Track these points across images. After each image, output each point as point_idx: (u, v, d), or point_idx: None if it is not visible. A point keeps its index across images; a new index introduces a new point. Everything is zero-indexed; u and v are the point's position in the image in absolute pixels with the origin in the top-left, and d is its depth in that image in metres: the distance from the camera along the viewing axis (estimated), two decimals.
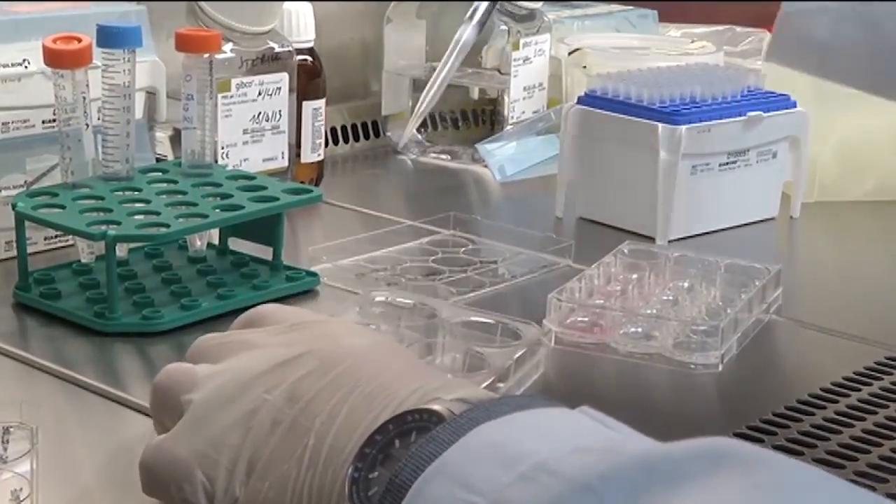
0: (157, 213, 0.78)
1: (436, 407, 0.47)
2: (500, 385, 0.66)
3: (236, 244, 0.87)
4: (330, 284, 0.84)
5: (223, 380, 0.53)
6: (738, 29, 1.39)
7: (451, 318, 0.71)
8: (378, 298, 0.73)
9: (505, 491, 0.41)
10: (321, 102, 1.05)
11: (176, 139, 0.94)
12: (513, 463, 0.42)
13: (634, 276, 0.83)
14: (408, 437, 0.46)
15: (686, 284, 0.83)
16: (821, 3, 0.72)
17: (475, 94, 1.21)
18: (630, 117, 0.96)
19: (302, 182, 1.03)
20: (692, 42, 1.24)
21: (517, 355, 0.68)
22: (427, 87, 1.05)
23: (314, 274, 0.84)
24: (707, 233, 0.98)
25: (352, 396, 0.50)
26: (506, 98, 1.18)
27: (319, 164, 1.06)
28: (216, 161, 0.93)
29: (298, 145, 1.03)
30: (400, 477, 0.44)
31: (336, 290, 0.83)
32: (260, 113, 0.97)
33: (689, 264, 0.85)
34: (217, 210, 0.80)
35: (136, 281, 0.81)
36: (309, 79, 1.04)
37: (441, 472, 0.43)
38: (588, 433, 0.44)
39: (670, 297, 0.81)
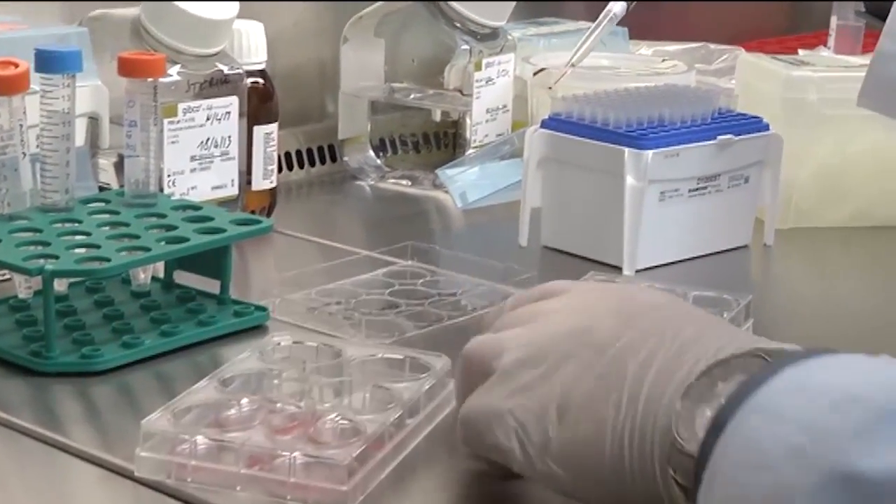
0: (98, 247, 0.79)
1: (760, 353, 0.54)
2: (410, 420, 0.67)
3: (183, 277, 0.87)
4: (280, 319, 0.85)
5: (529, 339, 0.60)
6: (712, 46, 1.41)
7: (356, 356, 0.73)
8: (282, 342, 0.75)
9: (815, 420, 0.48)
10: (273, 127, 1.06)
11: (121, 166, 0.95)
12: (820, 394, 0.49)
13: None
14: (732, 379, 0.53)
15: None
16: None
17: (437, 117, 1.22)
18: (595, 141, 0.97)
19: (253, 211, 1.04)
20: (663, 61, 1.26)
21: (426, 388, 0.69)
22: (575, 50, 1.16)
23: (263, 308, 0.85)
24: (676, 262, 1.00)
25: (661, 349, 0.56)
26: (468, 120, 1.19)
27: (272, 192, 1.07)
28: (162, 190, 0.94)
29: (249, 172, 1.04)
30: (724, 414, 0.51)
31: (286, 326, 0.84)
32: (208, 139, 0.98)
33: None
34: (161, 243, 0.81)
35: (76, 317, 0.82)
36: (260, 102, 1.05)
37: (758, 409, 0.50)
38: (888, 367, 0.51)
39: None
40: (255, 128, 1.04)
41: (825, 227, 1.10)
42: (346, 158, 1.23)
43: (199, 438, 0.63)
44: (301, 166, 1.23)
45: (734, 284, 0.94)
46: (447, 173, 1.13)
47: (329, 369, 0.72)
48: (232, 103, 0.99)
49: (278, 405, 0.66)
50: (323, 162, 1.24)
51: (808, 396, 0.49)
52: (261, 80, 1.06)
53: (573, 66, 1.13)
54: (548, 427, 0.57)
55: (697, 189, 1.00)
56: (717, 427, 0.51)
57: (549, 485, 0.59)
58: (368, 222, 1.16)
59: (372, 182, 1.22)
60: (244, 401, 0.67)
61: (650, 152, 0.96)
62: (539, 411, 0.58)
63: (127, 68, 0.84)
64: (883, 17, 0.82)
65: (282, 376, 0.70)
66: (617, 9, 1.11)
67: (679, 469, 0.53)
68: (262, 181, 1.06)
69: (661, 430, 0.54)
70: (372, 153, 1.23)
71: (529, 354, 0.60)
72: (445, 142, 1.23)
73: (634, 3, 1.13)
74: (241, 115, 1.00)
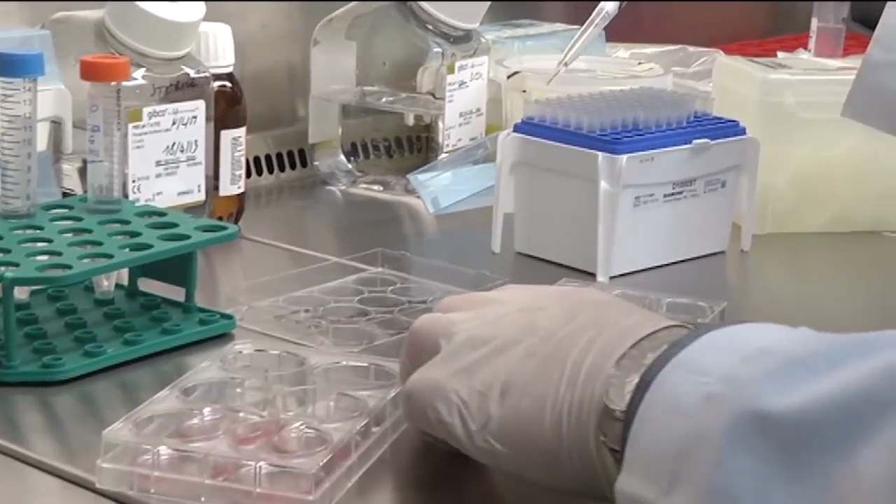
0: (59, 254, 0.79)
1: (687, 325, 0.59)
2: (376, 429, 0.68)
3: (147, 285, 0.88)
4: (246, 328, 0.85)
5: (477, 322, 0.63)
6: (691, 49, 1.42)
7: (320, 364, 0.73)
8: (244, 351, 0.75)
9: (729, 370, 0.53)
10: (241, 131, 1.07)
11: (85, 171, 0.95)
12: (735, 351, 0.54)
13: None
14: (660, 349, 0.57)
15: None
16: None
17: (410, 121, 1.23)
18: (569, 146, 0.98)
19: (220, 217, 1.04)
20: (639, 64, 1.27)
21: (391, 395, 0.70)
22: (567, 48, 1.14)
23: (229, 316, 0.85)
24: (652, 268, 1.00)
25: (601, 337, 0.60)
26: (440, 124, 1.20)
27: (240, 197, 1.08)
28: (126, 196, 0.94)
29: (217, 177, 1.05)
30: (649, 374, 0.56)
31: (253, 334, 0.84)
32: (174, 143, 0.99)
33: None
34: (124, 249, 0.81)
35: (38, 326, 0.82)
36: (228, 106, 1.06)
37: (680, 365, 0.55)
38: (803, 332, 0.57)
39: None
40: (223, 132, 1.05)
41: (803, 233, 1.11)
42: (316, 163, 1.24)
43: (162, 449, 0.64)
44: (271, 171, 1.23)
45: (710, 291, 0.94)
46: (419, 178, 1.14)
47: (292, 378, 0.72)
48: (198, 107, 0.99)
49: (241, 414, 0.67)
50: (293, 167, 1.25)
51: (724, 352, 0.55)
52: (228, 84, 1.06)
53: (566, 65, 1.13)
54: (489, 405, 0.61)
55: (673, 194, 1.01)
56: (642, 386, 0.56)
57: (490, 461, 0.62)
58: (339, 228, 1.16)
59: (343, 187, 1.22)
60: (206, 410, 0.67)
61: (624, 157, 0.97)
62: (482, 389, 0.61)
63: (89, 72, 0.84)
64: (868, 23, 0.84)
65: (244, 385, 0.71)
66: (609, 7, 1.11)
67: (610, 433, 0.57)
68: (230, 186, 1.06)
69: (597, 402, 0.58)
70: (343, 158, 1.23)
71: (477, 336, 0.63)
72: (418, 146, 1.24)
73: (627, 1, 1.13)
74: (207, 119, 1.00)
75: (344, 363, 0.74)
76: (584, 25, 1.10)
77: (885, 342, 0.52)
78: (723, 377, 0.54)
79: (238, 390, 0.71)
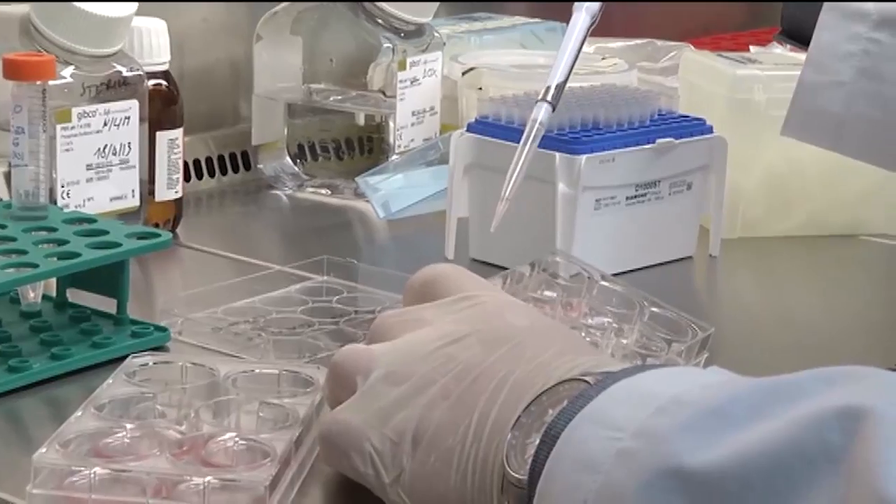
0: None
1: (587, 378, 0.59)
2: (307, 438, 0.69)
3: (77, 296, 0.88)
4: (182, 340, 0.86)
5: (394, 358, 0.65)
6: (660, 43, 1.43)
7: (231, 373, 0.74)
8: (150, 363, 0.76)
9: (643, 424, 0.53)
10: (178, 132, 1.07)
11: (9, 177, 0.96)
12: (649, 402, 0.54)
13: None
14: (560, 405, 0.58)
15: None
16: (836, 77, 0.86)
17: (360, 120, 1.24)
18: None
19: (157, 224, 1.05)
20: (603, 59, 1.28)
21: (316, 402, 0.72)
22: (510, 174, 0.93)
23: (164, 329, 0.86)
24: (615, 275, 1.01)
25: (514, 375, 0.62)
26: (391, 124, 1.21)
27: (177, 203, 1.08)
28: (54, 202, 0.95)
29: (152, 182, 1.06)
30: (554, 429, 0.56)
31: (189, 347, 0.85)
32: (106, 146, 1.00)
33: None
34: (51, 258, 0.82)
35: None
36: (163, 106, 1.07)
37: (587, 419, 0.56)
38: (714, 376, 0.57)
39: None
40: (158, 133, 1.06)
41: (774, 237, 1.12)
42: (260, 166, 1.25)
43: (98, 470, 0.64)
44: (211, 175, 1.24)
45: (677, 299, 0.94)
46: (368, 181, 1.15)
47: (207, 389, 0.74)
48: (132, 107, 1.00)
49: (167, 430, 0.68)
50: (235, 170, 1.26)
51: (635, 404, 0.55)
52: (164, 83, 1.07)
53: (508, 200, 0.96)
54: (402, 456, 0.63)
55: (636, 196, 1.02)
56: (547, 441, 0.57)
57: None
58: (284, 235, 1.17)
59: (289, 191, 1.23)
60: (129, 427, 0.68)
61: (583, 157, 0.98)
62: (395, 438, 0.63)
63: (12, 70, 0.85)
64: (801, 40, 0.87)
65: (157, 399, 0.72)
66: (542, 116, 0.94)
67: (513, 499, 0.58)
68: (167, 191, 1.07)
69: (500, 464, 0.59)
70: (289, 160, 1.24)
71: (394, 373, 0.65)
72: (368, 147, 1.25)
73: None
74: (141, 119, 1.01)
75: (257, 370, 0.76)
76: (522, 142, 0.92)
77: (811, 385, 0.52)
78: (636, 431, 0.54)
79: (152, 404, 0.72)
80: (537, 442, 0.57)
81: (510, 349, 0.64)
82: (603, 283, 0.86)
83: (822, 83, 0.87)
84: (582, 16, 0.95)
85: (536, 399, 0.60)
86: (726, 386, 0.55)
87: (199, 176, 1.23)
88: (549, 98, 0.92)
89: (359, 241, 1.15)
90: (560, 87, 0.92)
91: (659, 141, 1.02)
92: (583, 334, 0.83)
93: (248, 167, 1.26)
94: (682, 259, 1.06)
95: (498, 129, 1.02)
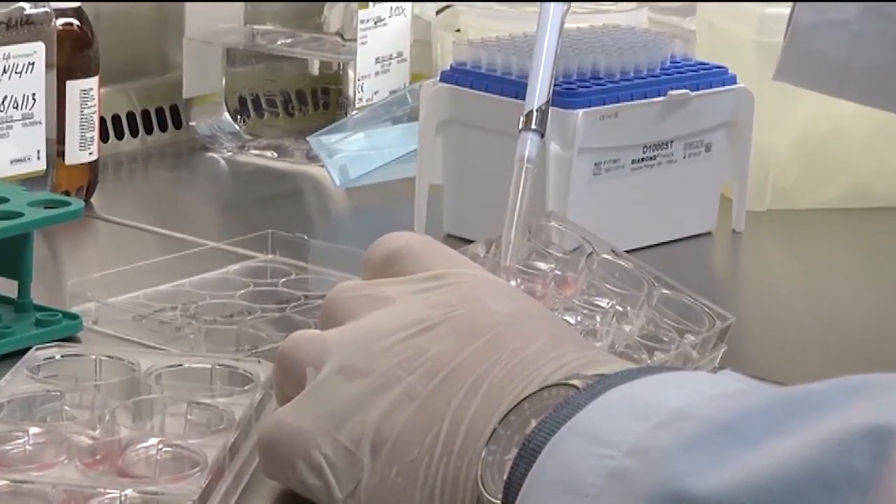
0: None
1: (575, 382, 0.58)
2: (245, 444, 0.70)
3: None
4: (96, 330, 0.87)
5: (352, 347, 0.65)
6: None
7: (156, 369, 0.75)
8: (57, 356, 0.77)
9: (640, 440, 0.53)
10: (93, 82, 1.08)
11: None
12: (648, 414, 0.54)
13: None
14: (545, 413, 0.58)
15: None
16: (838, 16, 0.86)
17: (314, 69, 1.24)
18: (509, 98, 0.99)
19: (67, 191, 1.06)
20: None
21: (256, 401, 0.72)
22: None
23: (75, 316, 0.87)
24: None
25: (491, 374, 0.62)
26: (351, 73, 1.21)
27: (92, 166, 1.09)
28: None
29: (61, 141, 1.06)
30: (533, 441, 0.56)
31: (105, 338, 0.86)
32: (5, 98, 1.00)
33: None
34: None
35: None
36: (75, 50, 1.07)
37: (574, 432, 0.55)
38: (725, 383, 0.57)
39: None
40: (69, 83, 1.06)
41: (810, 209, 1.13)
42: (193, 123, 1.25)
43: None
44: (134, 133, 1.24)
45: (694, 280, 0.94)
46: (322, 142, 1.15)
47: (125, 386, 0.74)
48: (36, 51, 1.00)
49: (77, 435, 0.68)
50: (163, 128, 1.26)
51: (631, 415, 0.55)
52: (76, 22, 1.07)
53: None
54: (358, 468, 0.63)
55: (643, 160, 1.03)
56: (525, 455, 0.56)
57: None
58: (221, 205, 1.18)
59: (228, 154, 1.23)
60: (32, 431, 0.69)
61: (580, 112, 0.98)
62: (350, 446, 0.64)
63: None
64: None
65: (65, 398, 0.72)
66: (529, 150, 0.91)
67: None
68: (79, 153, 1.07)
69: (472, 482, 0.60)
70: (228, 116, 1.25)
71: (350, 367, 0.65)
72: (324, 101, 1.25)
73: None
74: (48, 66, 1.01)
75: (186, 365, 0.76)
76: (512, 191, 0.87)
77: (834, 398, 0.52)
78: (631, 448, 0.54)
79: (60, 404, 0.72)
80: (514, 458, 0.57)
81: (488, 341, 0.64)
82: (605, 256, 0.87)
83: (821, 23, 0.88)
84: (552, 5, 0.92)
85: (517, 406, 0.60)
86: (739, 397, 0.55)
87: (119, 135, 1.23)
88: (533, 125, 0.88)
89: (311, 213, 1.16)
90: (544, 111, 0.89)
91: (671, 93, 1.02)
92: (578, 318, 0.84)
93: (177, 125, 1.27)
94: (700, 235, 1.07)
95: (477, 77, 1.02)
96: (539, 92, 0.90)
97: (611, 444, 0.54)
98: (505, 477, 0.57)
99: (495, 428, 0.60)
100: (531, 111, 0.89)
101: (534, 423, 0.58)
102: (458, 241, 1.03)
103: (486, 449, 0.59)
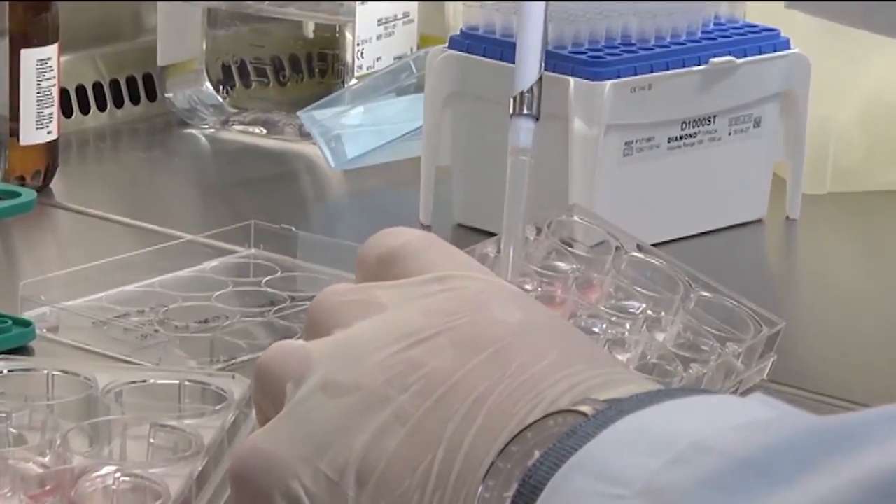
0: None
1: (583, 408, 0.58)
2: (216, 471, 0.71)
3: None
4: (51, 339, 0.87)
5: (338, 362, 0.64)
6: None
7: (116, 385, 0.75)
8: (0, 370, 0.77)
9: (654, 478, 0.53)
10: (51, 50, 1.08)
11: None
12: (662, 448, 0.54)
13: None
14: (549, 444, 0.57)
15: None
16: None
17: (308, 31, 1.24)
18: None
19: (21, 177, 1.06)
20: None
21: (228, 423, 0.73)
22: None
23: (27, 323, 0.87)
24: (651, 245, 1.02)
25: (493, 394, 0.61)
26: (349, 36, 1.21)
27: (51, 147, 1.09)
28: None
29: (15, 118, 1.06)
30: (534, 477, 0.56)
31: (61, 348, 0.86)
32: None
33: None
34: None
35: None
36: (31, 14, 1.07)
37: (579, 467, 0.55)
38: (750, 411, 0.56)
39: None
40: (24, 52, 1.06)
41: (877, 192, 1.13)
42: (169, 95, 1.25)
43: None
44: (102, 107, 1.25)
45: (739, 278, 0.95)
46: (316, 117, 1.15)
47: (78, 405, 0.74)
48: None
49: (24, 462, 0.69)
50: (135, 100, 1.26)
51: (643, 449, 0.54)
52: None
53: None
54: (342, 501, 0.62)
55: (682, 138, 1.03)
56: (524, 492, 0.56)
57: None
58: (201, 190, 1.18)
59: (209, 130, 1.24)
60: None
61: (608, 83, 0.98)
62: (333, 476, 0.63)
63: None
64: None
65: (11, 420, 0.73)
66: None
67: None
68: (36, 132, 1.08)
69: None
70: (209, 87, 1.25)
71: (334, 383, 0.65)
72: (320, 68, 1.25)
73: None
74: (0, 33, 1.02)
75: (151, 381, 0.77)
76: (508, 193, 0.92)
77: (881, 429, 0.51)
78: (644, 488, 0.53)
79: (5, 427, 0.72)
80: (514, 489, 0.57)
81: (491, 356, 0.63)
82: (635, 254, 0.87)
83: None
84: None
85: (519, 435, 0.60)
86: (769, 428, 0.54)
87: (85, 109, 1.24)
88: (525, 109, 0.89)
89: (304, 199, 1.16)
90: (536, 91, 0.89)
91: (714, 60, 1.02)
92: (604, 326, 0.84)
93: (151, 97, 1.27)
94: (748, 224, 1.07)
95: (489, 43, 1.02)
96: (528, 68, 0.90)
97: (620, 482, 0.54)
98: None
99: (494, 461, 0.59)
100: (521, 93, 0.90)
101: (537, 454, 0.58)
102: (471, 232, 1.04)
103: (482, 485, 0.59)
